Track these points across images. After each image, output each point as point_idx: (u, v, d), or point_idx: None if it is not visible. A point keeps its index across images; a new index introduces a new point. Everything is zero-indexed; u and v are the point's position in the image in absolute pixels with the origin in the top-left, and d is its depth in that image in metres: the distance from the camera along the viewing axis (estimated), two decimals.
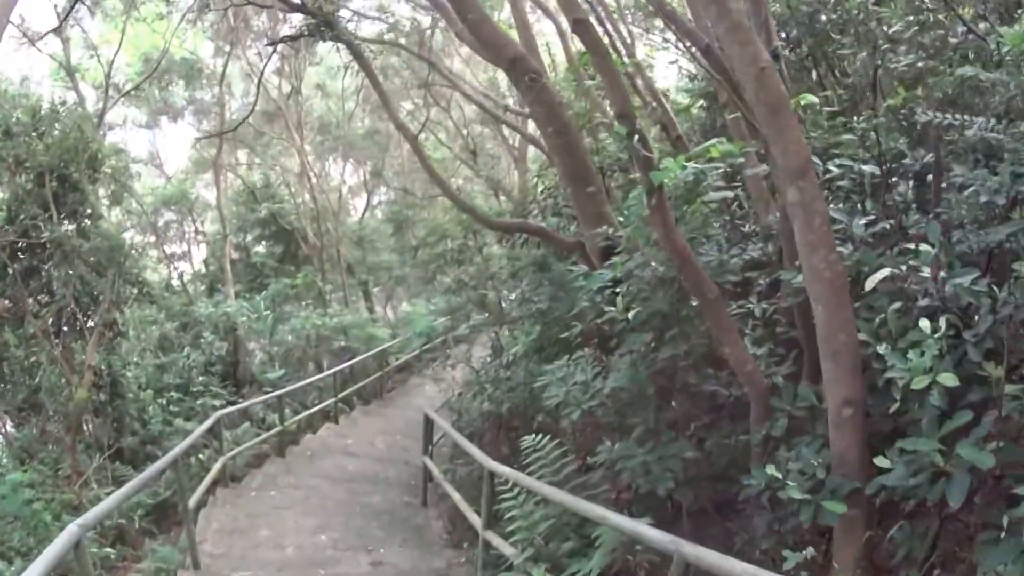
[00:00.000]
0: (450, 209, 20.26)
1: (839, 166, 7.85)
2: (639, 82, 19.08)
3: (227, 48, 35.60)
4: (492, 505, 9.82)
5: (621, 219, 10.12)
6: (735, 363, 7.52)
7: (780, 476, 6.37)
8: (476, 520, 10.37)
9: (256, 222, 40.64)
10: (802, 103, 6.78)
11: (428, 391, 28.84)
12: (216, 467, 14.83)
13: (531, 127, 26.08)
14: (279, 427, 18.68)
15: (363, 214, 49.03)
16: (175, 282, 39.60)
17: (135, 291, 22.44)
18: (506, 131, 36.76)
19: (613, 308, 8.63)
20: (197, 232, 45.01)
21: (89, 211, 20.37)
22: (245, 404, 19.95)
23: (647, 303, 8.37)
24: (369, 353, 27.07)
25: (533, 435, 9.76)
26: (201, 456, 19.15)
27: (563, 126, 11.96)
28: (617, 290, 8.80)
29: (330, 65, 45.94)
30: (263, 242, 41.96)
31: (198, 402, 23.86)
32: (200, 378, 25.66)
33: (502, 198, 32.62)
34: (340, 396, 23.08)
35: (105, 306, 19.46)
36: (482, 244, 19.27)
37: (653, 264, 8.30)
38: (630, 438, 8.52)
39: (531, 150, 41.44)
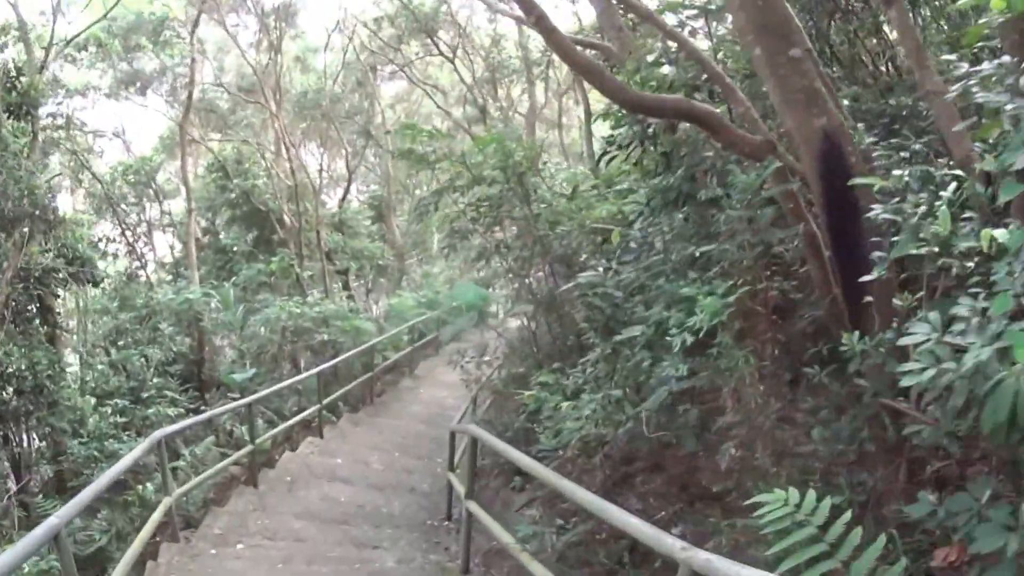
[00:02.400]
0: (489, 140, 14.45)
1: None
2: None
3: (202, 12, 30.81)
4: None
5: None
6: None
7: None
8: None
9: (227, 202, 35.72)
10: None
11: (424, 395, 24.25)
12: (158, 513, 9.92)
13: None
14: (250, 445, 13.71)
15: (343, 197, 44.13)
16: (139, 272, 34.64)
17: (70, 267, 17.66)
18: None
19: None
20: (162, 213, 39.94)
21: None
22: (201, 417, 14.52)
23: None
24: (357, 350, 22.00)
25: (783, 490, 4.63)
26: (149, 486, 14.30)
27: None
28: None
29: (310, 43, 42.36)
30: (235, 225, 36.95)
31: (150, 411, 18.89)
32: (155, 380, 20.66)
33: None
34: (324, 403, 18.13)
35: (8, 275, 14.48)
36: (531, 190, 13.91)
37: None
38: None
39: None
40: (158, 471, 14.46)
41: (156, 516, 9.79)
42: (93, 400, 18.36)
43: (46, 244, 18.03)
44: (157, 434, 10.23)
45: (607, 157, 11.23)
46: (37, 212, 16.83)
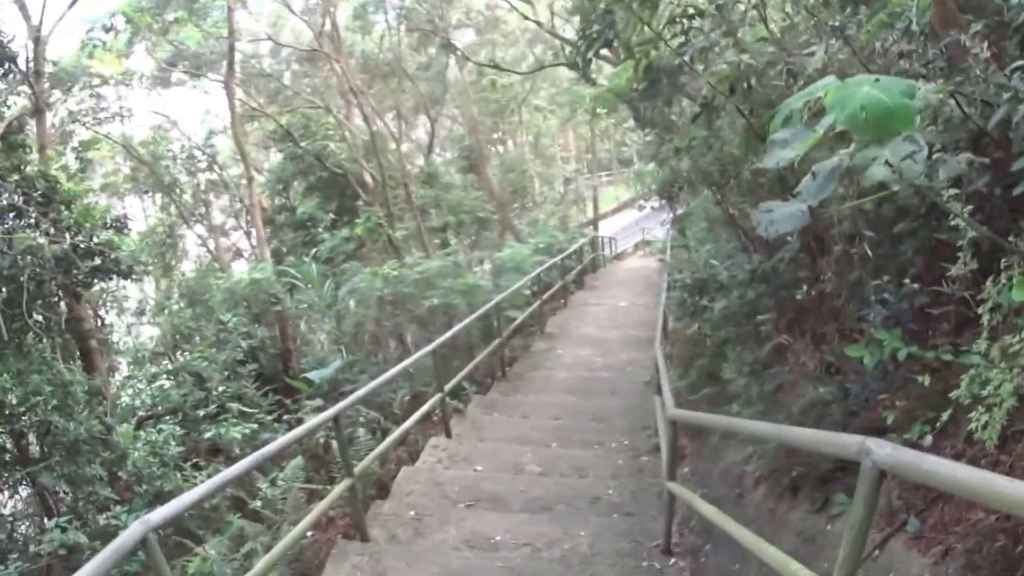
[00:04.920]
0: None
1: None
2: None
3: None
4: None
5: None
6: None
7: None
8: None
9: (299, 172, 30.80)
10: None
11: (565, 357, 19.15)
12: None
13: None
14: (346, 480, 8.41)
15: (429, 147, 39.04)
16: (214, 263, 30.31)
17: (91, 258, 13.02)
18: None
19: None
20: (231, 196, 35.54)
21: None
22: (239, 467, 7.67)
23: None
24: (476, 313, 16.21)
25: None
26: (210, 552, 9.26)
27: None
28: None
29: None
30: (312, 195, 32.13)
31: (208, 434, 13.81)
32: (219, 389, 15.61)
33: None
34: (447, 389, 12.85)
35: None
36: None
37: None
38: None
39: None
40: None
41: None
42: (130, 429, 13.44)
43: (52, 230, 13.13)
44: (130, 534, 4.90)
45: None
46: (33, 189, 12.16)
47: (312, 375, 14.89)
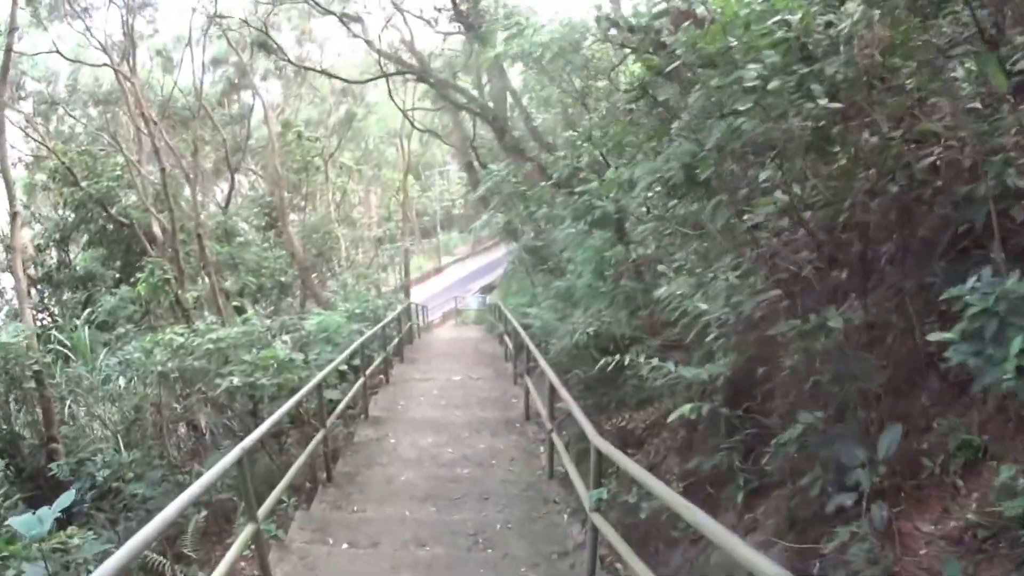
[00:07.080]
0: None
1: None
2: None
3: None
4: None
5: None
6: None
7: None
8: None
9: (81, 221, 26.16)
10: None
11: (403, 448, 14.59)
12: None
13: None
14: None
15: (228, 198, 34.80)
16: None
17: None
18: None
19: None
20: None
21: None
22: None
23: None
24: (298, 396, 11.51)
25: None
26: None
27: None
28: None
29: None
30: (94, 248, 27.41)
31: None
32: None
33: None
34: (263, 513, 8.55)
35: None
36: None
37: None
38: None
39: None
40: None
41: None
42: None
43: None
44: None
45: None
46: None
47: (17, 523, 9.13)
